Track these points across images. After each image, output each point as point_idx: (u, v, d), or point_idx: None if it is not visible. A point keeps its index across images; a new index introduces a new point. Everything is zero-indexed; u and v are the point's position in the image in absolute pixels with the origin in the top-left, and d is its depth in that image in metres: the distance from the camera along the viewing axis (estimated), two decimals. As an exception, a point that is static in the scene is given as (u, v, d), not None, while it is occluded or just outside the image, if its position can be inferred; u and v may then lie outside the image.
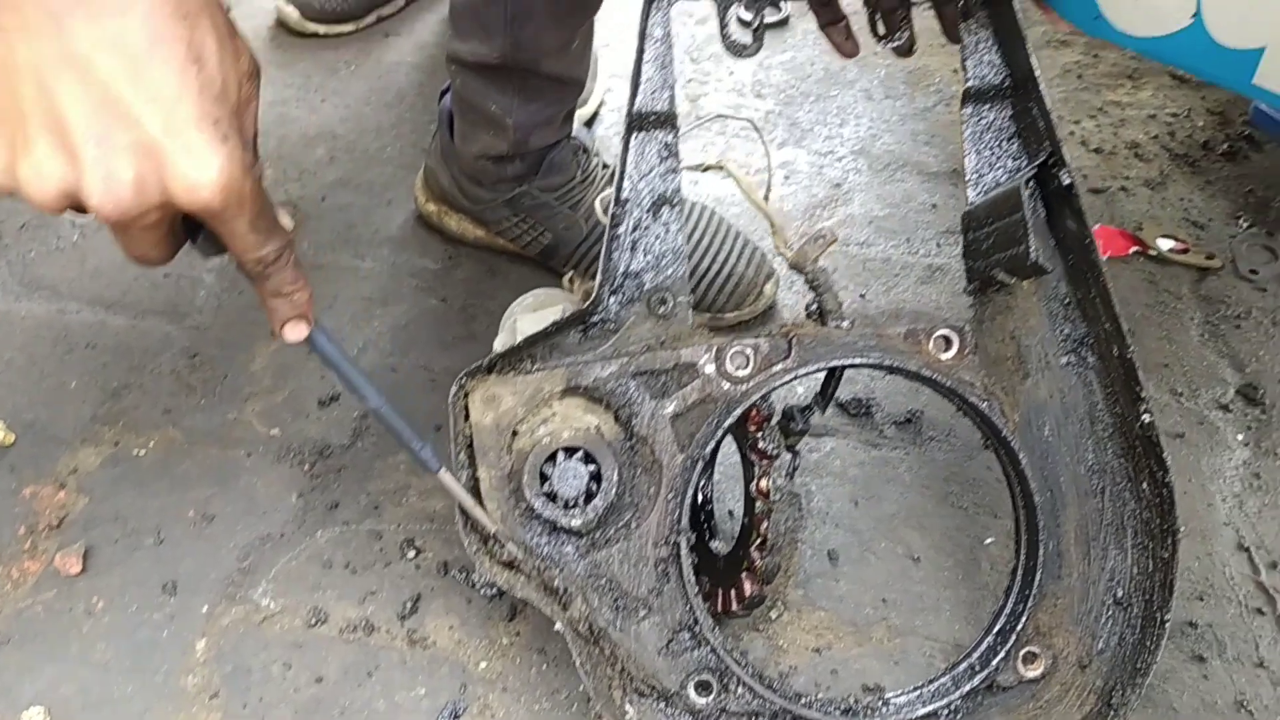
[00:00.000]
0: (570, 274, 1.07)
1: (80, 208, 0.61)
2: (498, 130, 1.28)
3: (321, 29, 1.79)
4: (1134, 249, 1.42)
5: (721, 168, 1.11)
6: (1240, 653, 1.06)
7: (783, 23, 1.78)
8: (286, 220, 0.74)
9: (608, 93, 1.66)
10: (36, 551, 1.12)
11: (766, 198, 1.16)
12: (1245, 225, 1.45)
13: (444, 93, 1.38)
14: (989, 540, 1.14)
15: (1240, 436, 1.23)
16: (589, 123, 1.61)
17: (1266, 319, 1.34)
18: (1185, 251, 1.41)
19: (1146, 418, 0.88)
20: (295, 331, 0.77)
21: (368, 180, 1.55)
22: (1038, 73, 0.89)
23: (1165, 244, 1.42)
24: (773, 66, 1.73)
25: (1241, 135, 1.57)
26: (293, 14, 1.77)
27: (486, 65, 1.23)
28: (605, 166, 1.39)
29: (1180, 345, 1.32)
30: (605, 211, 0.91)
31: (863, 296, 1.39)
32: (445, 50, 1.29)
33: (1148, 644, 0.90)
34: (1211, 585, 1.11)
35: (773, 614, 1.09)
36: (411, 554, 1.13)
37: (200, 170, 0.59)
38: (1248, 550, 1.13)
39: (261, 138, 1.62)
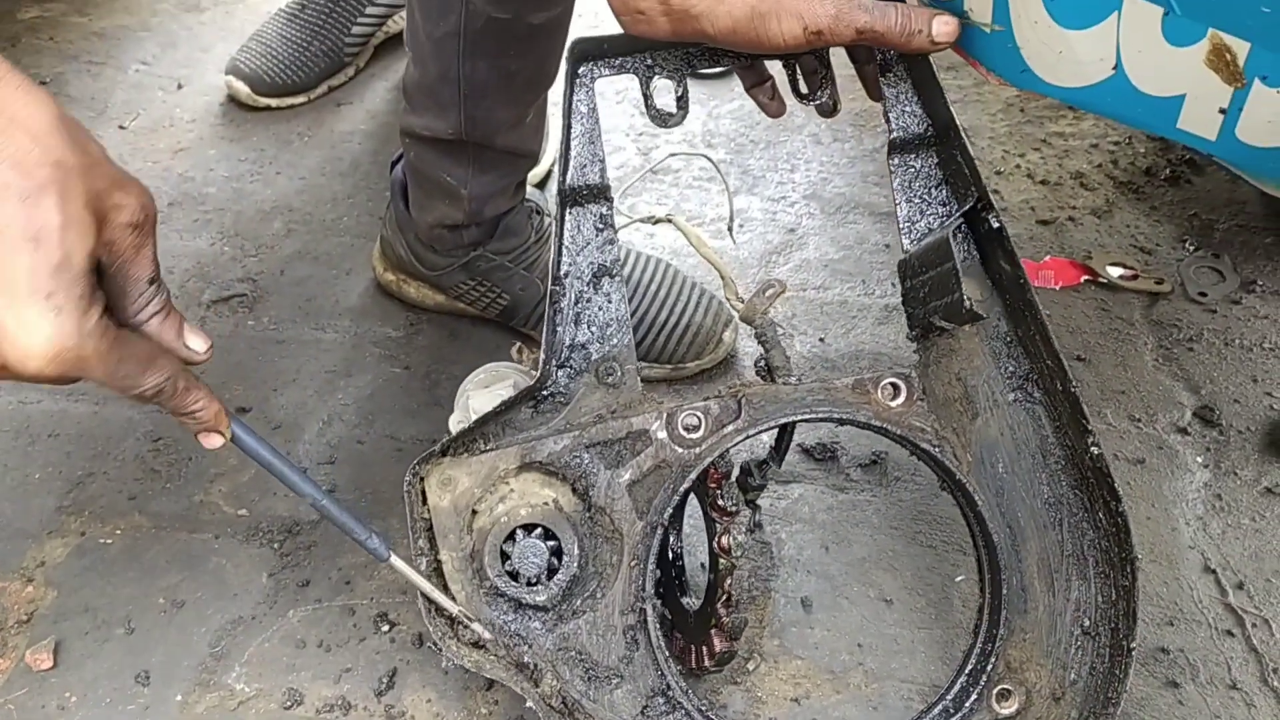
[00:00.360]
0: (518, 345, 1.08)
1: None
2: (453, 200, 1.30)
3: (273, 102, 1.81)
4: (1085, 278, 1.44)
5: (669, 221, 1.13)
6: (1213, 676, 1.07)
7: (726, 72, 1.80)
8: (197, 342, 0.75)
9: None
10: (6, 649, 1.11)
11: (730, 230, 1.18)
12: (1192, 249, 1.48)
13: (395, 163, 1.39)
14: (959, 577, 1.15)
15: (1200, 459, 1.25)
16: (541, 184, 1.62)
17: (1218, 340, 1.36)
18: (1135, 278, 1.43)
19: (1095, 450, 0.89)
20: (210, 441, 0.80)
21: (326, 251, 1.56)
22: (958, 120, 0.91)
23: (1115, 271, 1.44)
24: (721, 116, 1.75)
25: (1183, 160, 1.60)
26: (243, 89, 1.79)
27: (441, 139, 1.24)
28: (559, 226, 1.41)
29: (1135, 371, 1.34)
30: None
31: (822, 340, 1.40)
32: (398, 123, 1.30)
33: (1117, 672, 0.91)
34: (1180, 610, 1.12)
35: (750, 665, 1.09)
36: (386, 628, 1.12)
37: (29, 342, 0.64)
38: (1214, 572, 1.14)
39: (217, 213, 1.64)
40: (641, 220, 1.19)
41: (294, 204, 1.63)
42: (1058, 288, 1.43)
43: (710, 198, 1.61)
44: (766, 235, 1.55)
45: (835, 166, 1.66)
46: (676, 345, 1.34)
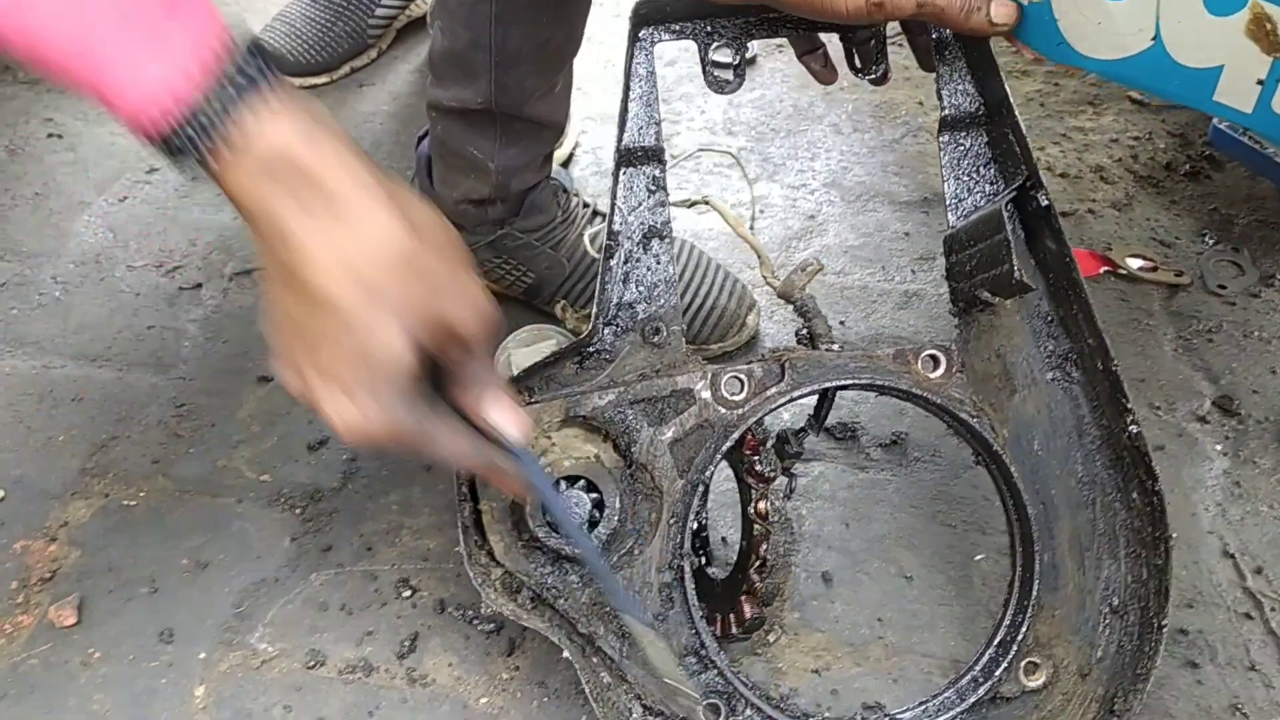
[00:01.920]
0: (562, 303, 1.08)
1: None
2: (479, 174, 1.30)
3: (296, 82, 1.80)
4: (1104, 269, 1.45)
5: (706, 202, 1.13)
6: (1232, 657, 1.07)
7: (750, 61, 1.81)
8: (511, 431, 0.78)
9: (582, 134, 1.69)
10: (29, 605, 1.11)
11: (752, 228, 1.18)
12: (1211, 242, 1.49)
13: (420, 139, 1.40)
14: (979, 556, 1.16)
15: (1219, 447, 1.26)
16: (565, 163, 1.63)
17: (1238, 332, 1.38)
18: (1154, 270, 1.45)
19: (1134, 428, 0.90)
20: None
21: (348, 227, 1.56)
22: (1011, 99, 0.92)
23: (1135, 263, 1.45)
24: (743, 104, 1.76)
25: (1203, 155, 1.61)
26: (267, 67, 1.79)
27: (468, 110, 1.25)
28: (585, 205, 1.41)
29: (1155, 361, 1.35)
30: (595, 247, 0.93)
31: (842, 324, 1.41)
32: (424, 98, 1.31)
33: (1146, 650, 0.92)
34: (1200, 593, 1.12)
35: (770, 637, 1.10)
36: (407, 593, 1.13)
37: (346, 420, 0.70)
38: (1233, 557, 1.15)
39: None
40: (677, 204, 1.19)
41: (316, 180, 1.63)
42: (1078, 278, 1.44)
43: (731, 184, 1.62)
44: (787, 221, 1.56)
45: (855, 156, 1.67)
46: (700, 327, 1.35)
